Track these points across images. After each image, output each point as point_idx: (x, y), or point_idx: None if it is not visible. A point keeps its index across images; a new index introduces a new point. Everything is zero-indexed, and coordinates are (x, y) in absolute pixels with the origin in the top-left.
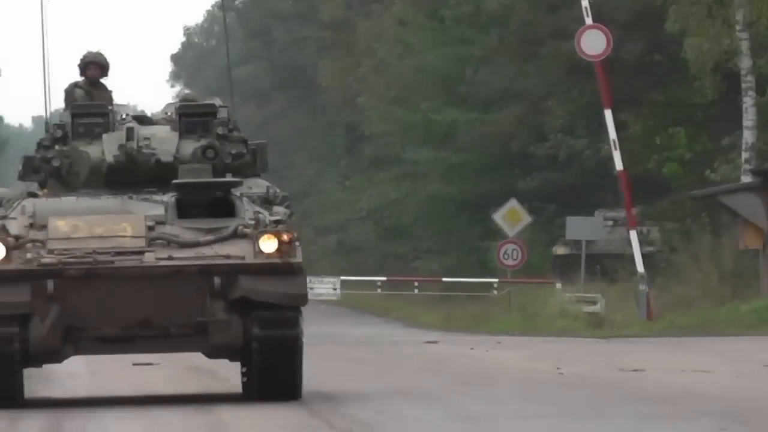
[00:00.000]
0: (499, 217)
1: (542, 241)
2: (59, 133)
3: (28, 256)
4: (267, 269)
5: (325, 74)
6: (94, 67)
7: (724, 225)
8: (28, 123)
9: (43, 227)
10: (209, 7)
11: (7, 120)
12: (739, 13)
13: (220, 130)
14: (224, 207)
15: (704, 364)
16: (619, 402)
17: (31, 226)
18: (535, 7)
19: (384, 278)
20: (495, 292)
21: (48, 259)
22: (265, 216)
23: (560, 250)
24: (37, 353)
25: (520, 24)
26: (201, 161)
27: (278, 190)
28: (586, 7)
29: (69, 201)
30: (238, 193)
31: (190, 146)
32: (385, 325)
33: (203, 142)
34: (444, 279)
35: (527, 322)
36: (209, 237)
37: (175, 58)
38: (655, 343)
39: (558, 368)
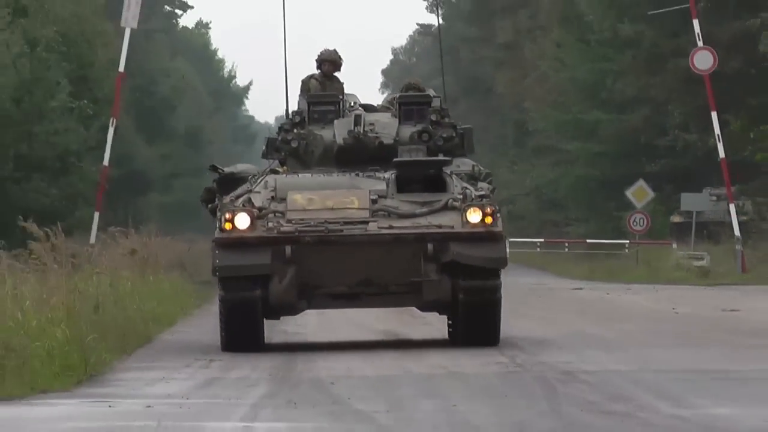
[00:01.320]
0: (629, 193)
1: (662, 211)
2: (297, 119)
3: (270, 225)
4: (473, 237)
5: (499, 83)
6: (328, 63)
7: None
8: (272, 121)
9: (283, 200)
10: (411, 33)
11: (256, 118)
12: None
13: (433, 117)
14: (437, 183)
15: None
16: (720, 334)
17: (273, 198)
18: (659, 33)
19: (542, 240)
20: (626, 250)
21: (287, 228)
22: (471, 191)
23: (676, 218)
24: (275, 308)
25: (649, 45)
26: (417, 143)
27: (482, 168)
28: (698, 33)
29: (305, 177)
30: (448, 171)
31: (407, 130)
32: (543, 276)
33: (419, 127)
34: (588, 240)
35: (650, 273)
36: (424, 209)
37: (385, 72)
38: (749, 290)
39: (674, 308)
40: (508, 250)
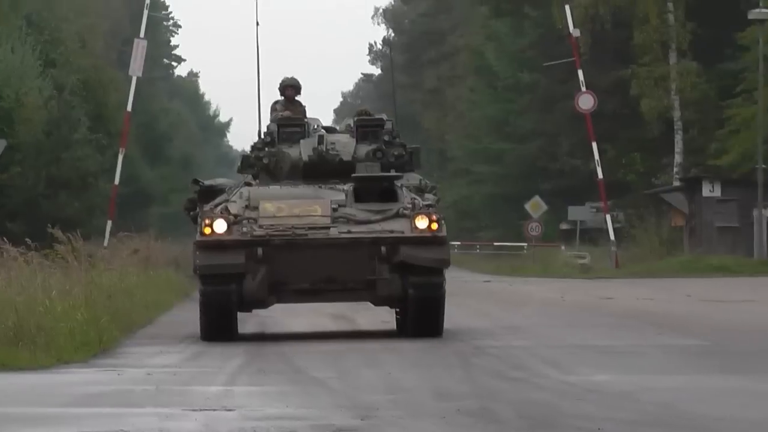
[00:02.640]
0: (527, 206)
1: (553, 220)
2: (268, 139)
3: (244, 229)
4: (420, 241)
5: (426, 120)
6: (291, 89)
7: (662, 211)
8: (248, 149)
9: (256, 208)
10: (356, 80)
11: (235, 147)
12: (674, 85)
13: (386, 137)
14: (389, 194)
15: (649, 295)
16: (598, 317)
17: (247, 207)
18: (551, 80)
19: (459, 243)
20: (525, 251)
21: (258, 232)
22: (419, 201)
23: (564, 226)
24: (248, 302)
25: (543, 90)
26: (372, 160)
27: (428, 182)
28: (581, 81)
29: (275, 189)
30: (399, 184)
31: (364, 149)
32: (459, 271)
33: (373, 146)
34: (495, 243)
35: (544, 269)
36: (378, 216)
37: (336, 111)
38: (620, 282)
39: (562, 296)
40: None
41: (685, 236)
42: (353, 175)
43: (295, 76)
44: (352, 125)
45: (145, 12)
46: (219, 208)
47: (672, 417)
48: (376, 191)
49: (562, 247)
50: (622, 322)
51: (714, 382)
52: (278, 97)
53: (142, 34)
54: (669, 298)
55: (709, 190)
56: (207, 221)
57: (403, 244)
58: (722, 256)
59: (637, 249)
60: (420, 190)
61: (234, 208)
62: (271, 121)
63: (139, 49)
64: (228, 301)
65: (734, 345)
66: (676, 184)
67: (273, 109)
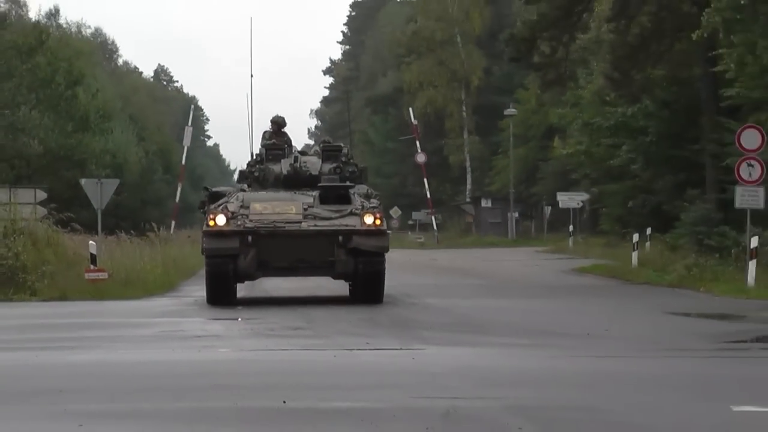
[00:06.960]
0: (391, 211)
1: (405, 219)
2: (258, 159)
3: (238, 222)
4: (368, 233)
5: None
6: (277, 124)
7: (461, 214)
8: (243, 166)
9: (248, 207)
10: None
11: (233, 166)
12: (466, 149)
13: (343, 159)
14: (345, 198)
15: (456, 257)
16: (430, 269)
17: (241, 206)
18: (403, 146)
19: None
20: (389, 233)
21: (249, 225)
22: (367, 204)
23: (410, 222)
24: (241, 276)
25: (399, 152)
26: (332, 175)
27: (373, 191)
28: (418, 146)
29: (262, 194)
30: (352, 192)
31: (327, 167)
32: None
33: (334, 164)
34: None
35: (400, 245)
36: (336, 214)
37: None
38: (440, 251)
39: (410, 259)
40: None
41: (473, 227)
42: (319, 184)
43: (282, 115)
44: (318, 150)
45: (191, 112)
46: (221, 207)
47: (468, 320)
48: (336, 196)
49: (409, 233)
50: (442, 271)
51: (490, 302)
52: (267, 127)
53: (189, 124)
54: (466, 259)
55: (485, 203)
56: (212, 216)
57: (355, 235)
58: (492, 236)
59: (449, 233)
60: (367, 197)
61: (232, 207)
62: (261, 145)
63: (188, 131)
64: (227, 274)
65: (499, 282)
66: (468, 200)
67: (263, 136)
